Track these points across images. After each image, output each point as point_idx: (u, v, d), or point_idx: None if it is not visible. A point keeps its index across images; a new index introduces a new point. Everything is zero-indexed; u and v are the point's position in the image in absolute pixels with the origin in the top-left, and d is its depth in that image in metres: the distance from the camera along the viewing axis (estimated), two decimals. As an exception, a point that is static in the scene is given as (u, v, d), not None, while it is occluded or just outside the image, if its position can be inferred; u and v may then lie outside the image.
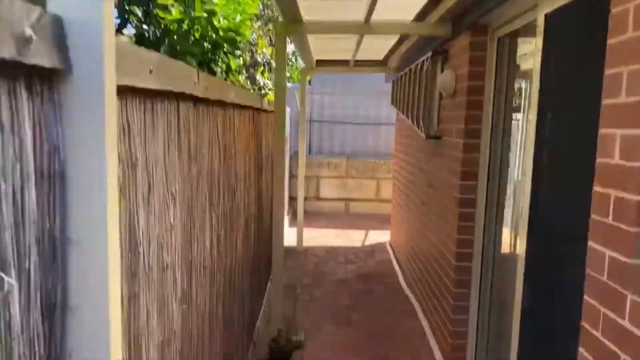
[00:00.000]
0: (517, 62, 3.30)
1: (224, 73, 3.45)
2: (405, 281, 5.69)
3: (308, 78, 11.27)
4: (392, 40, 5.24)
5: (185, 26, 2.66)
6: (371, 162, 9.84)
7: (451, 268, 3.71)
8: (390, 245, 7.34)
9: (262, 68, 6.75)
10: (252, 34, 5.52)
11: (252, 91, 5.57)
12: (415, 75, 5.12)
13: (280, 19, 3.92)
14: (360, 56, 6.59)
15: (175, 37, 2.42)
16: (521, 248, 2.77)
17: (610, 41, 1.72)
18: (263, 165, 4.25)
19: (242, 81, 4.99)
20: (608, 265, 1.67)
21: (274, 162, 3.98)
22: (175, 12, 2.63)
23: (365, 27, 3.87)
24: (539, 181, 2.66)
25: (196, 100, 1.84)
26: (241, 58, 6.01)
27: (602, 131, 1.75)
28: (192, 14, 2.77)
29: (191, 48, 2.30)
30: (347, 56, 6.57)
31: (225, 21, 3.24)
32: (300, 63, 7.55)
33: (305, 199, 9.92)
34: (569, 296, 2.45)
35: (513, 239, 3.34)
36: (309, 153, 10.17)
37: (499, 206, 3.43)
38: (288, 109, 8.65)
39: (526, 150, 2.79)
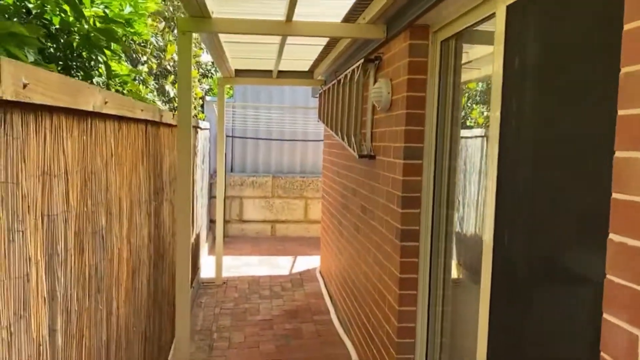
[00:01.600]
0: (467, 68, 2.82)
1: (104, 83, 2.69)
2: (338, 319, 5.06)
3: (229, 91, 10.53)
4: (319, 47, 4.68)
5: (31, 6, 1.89)
6: (298, 181, 9.23)
7: (393, 313, 3.13)
8: (321, 274, 6.71)
9: (172, 77, 5.94)
10: (155, 37, 4.74)
11: (155, 103, 4.76)
12: (344, 86, 4.58)
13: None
14: (284, 66, 5.98)
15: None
16: (484, 294, 2.23)
17: None
18: (166, 191, 3.47)
19: (142, 91, 4.20)
20: (645, 357, 1.12)
21: (178, 188, 3.22)
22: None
23: (286, 27, 3.25)
24: (505, 210, 2.14)
25: (7, 105, 1.11)
26: (146, 65, 5.20)
27: (620, 155, 1.22)
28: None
29: (22, 30, 1.52)
30: (269, 66, 5.94)
31: (105, 10, 2.48)
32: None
33: (228, 221, 9.10)
34: (539, 335, 1.94)
35: (466, 275, 2.82)
36: (231, 171, 9.39)
37: (448, 239, 2.91)
38: (207, 124, 7.85)
39: (486, 172, 2.27)
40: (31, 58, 1.55)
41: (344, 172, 5.10)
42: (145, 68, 4.99)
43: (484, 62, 2.61)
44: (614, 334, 1.22)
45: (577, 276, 1.80)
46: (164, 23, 5.07)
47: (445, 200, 2.91)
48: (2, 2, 1.74)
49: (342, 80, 4.64)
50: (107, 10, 2.53)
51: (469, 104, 2.84)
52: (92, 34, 2.19)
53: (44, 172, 1.35)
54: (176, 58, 6.55)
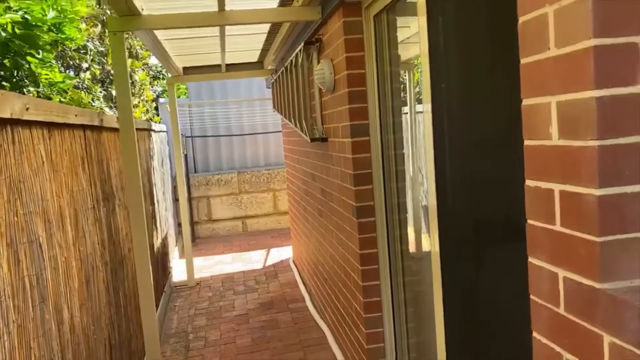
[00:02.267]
0: (399, 40, 2.84)
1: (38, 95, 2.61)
2: (313, 305, 5.09)
3: (183, 90, 10.38)
4: (262, 35, 4.64)
5: None
6: (264, 174, 9.19)
7: (358, 289, 3.16)
8: (294, 263, 6.73)
9: (118, 82, 5.80)
10: (92, 42, 4.62)
11: (102, 110, 4.65)
12: (291, 73, 4.56)
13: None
14: (232, 59, 5.92)
15: None
16: (434, 256, 2.28)
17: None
18: (117, 196, 3.41)
19: (85, 97, 4.09)
20: (565, 291, 1.16)
21: (128, 192, 3.17)
22: None
23: (220, 17, 3.21)
24: (445, 173, 2.18)
25: None
26: (88, 72, 5.07)
27: (527, 102, 1.25)
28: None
29: None
30: (217, 60, 5.87)
31: (25, 16, 2.40)
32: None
33: (197, 222, 9.02)
34: (492, 292, 2.00)
35: (421, 243, 2.87)
36: (195, 172, 9.28)
37: (401, 210, 2.95)
38: (163, 126, 7.72)
39: (425, 140, 2.31)
40: None
41: (303, 158, 5.11)
42: (88, 75, 4.86)
43: (413, 36, 2.64)
44: (539, 275, 1.26)
45: (517, 232, 1.86)
46: (100, 27, 4.94)
47: (395, 173, 2.94)
48: None
49: (288, 67, 4.62)
50: (27, 17, 2.45)
51: (406, 76, 2.87)
52: (10, 42, 2.12)
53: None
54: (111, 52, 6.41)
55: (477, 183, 2.11)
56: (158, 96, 9.39)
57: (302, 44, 3.73)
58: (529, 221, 1.29)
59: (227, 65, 6.11)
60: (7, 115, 1.60)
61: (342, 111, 3.20)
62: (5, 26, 2.15)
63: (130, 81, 6.67)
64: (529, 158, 1.27)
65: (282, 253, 7.41)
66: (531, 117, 1.25)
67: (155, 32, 3.89)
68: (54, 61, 2.95)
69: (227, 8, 3.21)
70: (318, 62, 3.71)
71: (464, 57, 2.15)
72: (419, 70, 2.84)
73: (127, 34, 4.40)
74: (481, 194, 2.09)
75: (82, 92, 4.10)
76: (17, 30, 2.25)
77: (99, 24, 4.84)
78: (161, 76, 10.38)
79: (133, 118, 3.16)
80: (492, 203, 2.06)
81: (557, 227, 1.18)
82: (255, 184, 9.16)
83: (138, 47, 7.15)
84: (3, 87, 2.37)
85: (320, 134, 3.86)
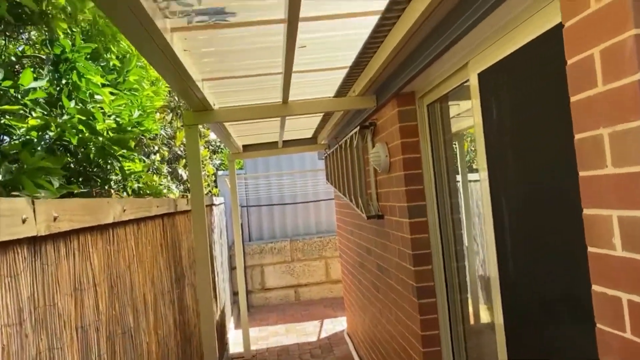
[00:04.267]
0: (452, 126, 2.99)
1: (119, 182, 2.90)
2: (369, 379, 5.01)
3: (239, 164, 10.88)
4: (318, 117, 4.94)
5: (52, 134, 2.13)
6: (316, 241, 9.32)
7: (420, 371, 3.14)
8: (349, 335, 6.67)
9: (184, 161, 6.23)
10: (164, 128, 5.06)
11: (169, 190, 5.00)
12: (345, 151, 4.78)
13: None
14: (288, 136, 6.27)
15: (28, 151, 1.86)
16: (498, 330, 2.28)
17: None
18: (187, 275, 3.62)
19: (156, 180, 4.44)
20: (641, 401, 1.19)
21: (197, 271, 3.36)
22: (37, 116, 2.10)
23: (283, 109, 3.50)
24: (506, 247, 2.23)
25: (41, 239, 1.28)
26: (158, 154, 5.50)
27: (587, 212, 1.34)
28: (63, 115, 2.25)
29: (48, 164, 1.74)
30: (274, 138, 6.22)
31: (117, 120, 2.73)
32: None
33: (251, 291, 9.15)
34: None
35: (485, 320, 2.86)
36: (249, 240, 9.53)
37: (462, 290, 2.97)
38: (221, 199, 8.10)
39: (484, 216, 2.38)
40: (56, 184, 1.75)
41: (357, 231, 5.22)
42: (157, 157, 5.27)
43: (465, 117, 2.79)
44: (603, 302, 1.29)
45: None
46: (171, 114, 5.41)
47: (454, 251, 3.00)
48: (27, 136, 1.98)
49: (343, 146, 4.85)
50: (118, 119, 2.78)
51: (460, 155, 2.99)
52: (106, 145, 2.42)
53: (75, 288, 1.51)
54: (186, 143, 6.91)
55: (540, 254, 2.15)
56: (217, 169, 9.89)
57: (358, 127, 3.95)
58: (598, 325, 1.33)
59: (283, 141, 6.45)
60: (110, 220, 1.83)
61: (398, 192, 3.33)
62: (103, 132, 2.46)
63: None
64: (593, 265, 1.34)
65: (336, 324, 7.36)
66: (593, 227, 1.33)
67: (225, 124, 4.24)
68: (134, 153, 3.28)
69: (289, 101, 3.49)
70: (373, 144, 3.91)
71: (519, 130, 2.26)
72: (468, 138, 2.97)
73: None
74: (544, 266, 2.12)
75: (153, 174, 4.44)
76: (111, 134, 2.56)
77: (169, 111, 5.31)
78: (220, 150, 10.97)
79: (204, 198, 3.41)
80: (554, 275, 2.08)
81: (628, 335, 1.22)
82: (307, 252, 9.28)
83: (200, 127, 7.66)
84: (95, 182, 2.66)
85: (376, 211, 3.98)
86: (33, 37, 2.29)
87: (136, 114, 3.00)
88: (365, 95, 3.51)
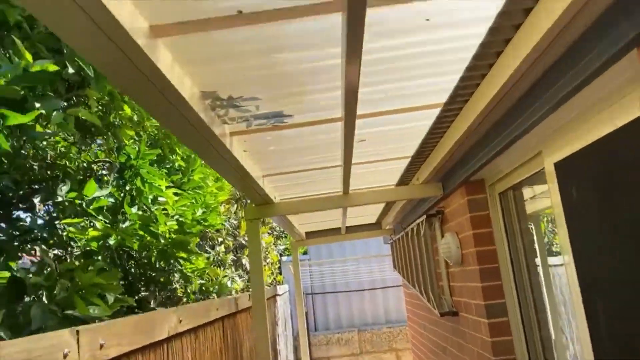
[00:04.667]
0: (527, 207, 2.74)
1: (184, 285, 2.86)
2: None
3: (302, 249, 10.81)
4: (381, 203, 4.80)
5: (112, 242, 2.13)
6: (385, 332, 8.80)
7: None
8: None
9: (247, 250, 6.23)
10: (228, 219, 5.12)
11: (234, 281, 4.94)
12: (412, 239, 4.56)
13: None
14: (351, 222, 6.15)
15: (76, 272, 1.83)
16: None
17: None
18: (247, 378, 3.42)
19: (220, 273, 4.39)
20: None
21: (258, 376, 3.16)
22: (99, 225, 2.11)
23: (344, 200, 3.40)
24: (601, 339, 1.88)
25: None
26: (222, 245, 5.53)
27: None
28: (126, 222, 2.26)
29: (101, 280, 1.69)
30: (337, 224, 6.12)
31: (179, 219, 2.74)
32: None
33: (318, 386, 8.65)
34: None
35: None
36: (315, 330, 9.17)
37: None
38: (285, 287, 7.95)
39: (573, 304, 2.06)
40: (111, 299, 1.71)
41: (430, 326, 4.83)
42: (222, 248, 5.29)
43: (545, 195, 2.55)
44: None
45: None
46: (236, 205, 5.50)
47: (541, 349, 2.62)
48: (88, 247, 1.99)
49: (409, 233, 4.64)
50: (181, 219, 2.79)
51: (543, 232, 2.70)
52: (167, 248, 2.40)
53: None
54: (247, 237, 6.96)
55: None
56: (281, 255, 9.85)
57: (424, 216, 3.76)
58: None
59: (347, 227, 6.33)
60: (164, 335, 1.73)
61: (473, 288, 3.04)
62: (165, 233, 2.46)
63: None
64: None
65: None
66: None
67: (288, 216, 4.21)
68: (194, 254, 3.26)
69: (350, 191, 3.40)
70: (442, 233, 3.68)
71: (606, 208, 1.99)
72: (544, 219, 2.68)
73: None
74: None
75: (217, 267, 4.42)
76: (173, 236, 2.55)
77: (234, 202, 5.41)
78: (284, 235, 11.00)
79: (266, 288, 3.28)
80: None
81: None
82: (376, 344, 8.76)
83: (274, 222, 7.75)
84: (155, 284, 2.62)
85: (449, 307, 3.66)
86: (102, 145, 2.44)
87: (199, 212, 3.01)
88: (430, 183, 3.36)
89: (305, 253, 10.44)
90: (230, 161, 2.18)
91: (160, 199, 2.55)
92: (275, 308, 5.88)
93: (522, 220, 2.78)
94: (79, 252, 1.96)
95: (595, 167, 1.92)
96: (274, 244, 9.10)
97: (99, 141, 3.05)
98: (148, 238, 2.30)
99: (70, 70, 1.72)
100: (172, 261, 2.71)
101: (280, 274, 9.43)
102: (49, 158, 2.54)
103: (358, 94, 1.58)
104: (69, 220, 1.88)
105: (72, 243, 1.96)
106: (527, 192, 2.76)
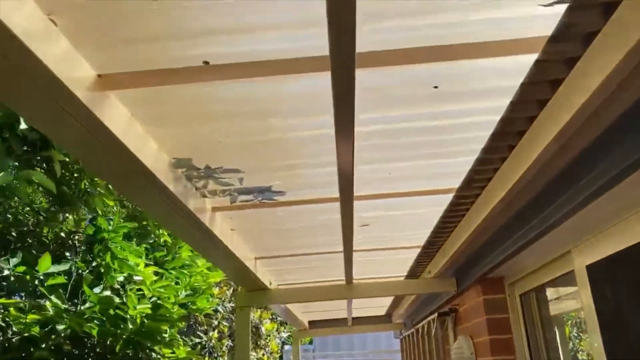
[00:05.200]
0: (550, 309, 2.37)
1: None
2: None
3: (308, 339, 10.18)
4: (389, 296, 4.42)
5: (61, 327, 1.82)
6: None
7: None
8: None
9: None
10: (222, 302, 4.75)
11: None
12: (423, 338, 4.12)
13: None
14: (359, 313, 5.69)
15: None
16: None
17: None
18: None
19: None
20: None
21: None
22: (49, 307, 1.83)
23: (347, 290, 3.07)
24: None
25: None
26: (216, 330, 5.12)
27: None
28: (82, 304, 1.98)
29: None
30: (343, 314, 5.67)
31: (158, 302, 2.44)
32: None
33: None
34: None
35: None
36: None
37: None
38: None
39: None
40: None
41: None
42: (215, 333, 4.88)
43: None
44: None
45: None
46: (232, 288, 5.16)
47: None
48: (27, 333, 1.70)
49: (420, 331, 4.20)
50: (160, 302, 2.48)
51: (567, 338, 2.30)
52: (133, 337, 2.08)
53: None
54: (252, 316, 6.51)
55: None
56: (284, 343, 9.24)
57: (436, 315, 3.37)
58: None
59: (353, 318, 5.87)
60: None
61: (490, 405, 2.60)
62: (134, 318, 2.15)
63: (257, 333, 6.67)
64: None
65: None
66: None
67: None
68: (177, 336, 2.91)
69: (354, 281, 3.08)
70: (454, 335, 3.28)
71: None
72: (569, 321, 2.28)
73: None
74: None
75: (207, 356, 4.00)
76: (145, 321, 2.24)
77: (231, 284, 5.08)
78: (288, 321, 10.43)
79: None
80: None
81: None
82: None
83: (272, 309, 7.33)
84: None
85: (462, 423, 3.16)
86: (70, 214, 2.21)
87: (183, 294, 2.71)
88: (443, 277, 3.02)
89: (310, 343, 9.79)
90: (212, 240, 1.92)
91: (136, 277, 2.28)
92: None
93: (546, 326, 2.40)
94: (16, 339, 1.66)
95: (634, 272, 1.61)
96: (277, 330, 8.55)
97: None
98: (108, 326, 1.98)
99: (23, 126, 1.54)
100: (147, 350, 2.37)
101: (282, 363, 8.77)
102: (30, 225, 2.32)
103: (354, 171, 1.34)
104: (2, 301, 1.60)
105: (9, 328, 1.66)
106: (549, 292, 2.41)
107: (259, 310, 6.70)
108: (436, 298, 3.59)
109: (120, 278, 2.13)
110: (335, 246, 2.59)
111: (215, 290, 4.32)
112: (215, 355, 4.51)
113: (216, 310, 4.73)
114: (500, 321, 2.58)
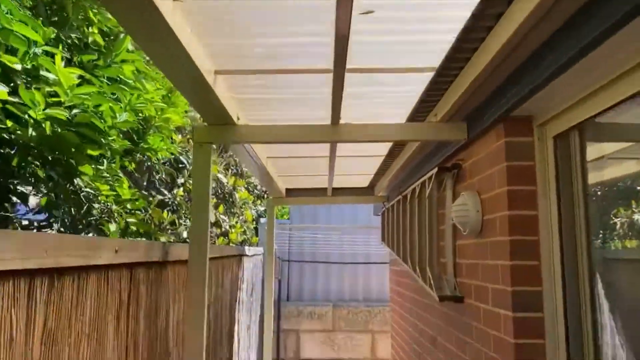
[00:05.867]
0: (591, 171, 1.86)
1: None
2: None
3: (285, 211, 9.95)
4: (378, 158, 3.90)
5: None
6: (363, 311, 8.02)
7: None
8: None
9: (214, 200, 5.33)
10: (188, 154, 4.18)
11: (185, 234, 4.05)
12: (412, 203, 3.68)
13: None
14: (340, 183, 5.25)
15: None
16: None
17: None
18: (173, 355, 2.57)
19: (165, 217, 3.51)
20: None
21: (185, 349, 2.31)
22: None
23: (331, 132, 2.49)
24: None
25: None
26: (182, 188, 4.62)
27: None
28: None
29: None
30: (323, 183, 5.22)
31: (78, 115, 1.82)
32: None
33: (283, 360, 7.91)
34: None
35: None
36: (287, 299, 8.38)
37: None
38: (260, 249, 7.12)
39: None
40: None
41: (418, 310, 4.00)
42: (181, 191, 4.39)
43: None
44: None
45: None
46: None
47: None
48: None
49: (408, 196, 3.75)
50: (88, 115, 1.86)
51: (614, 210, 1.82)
52: (33, 145, 1.48)
53: None
54: (225, 181, 6.02)
55: None
56: (260, 216, 8.97)
57: (435, 170, 2.86)
58: None
59: (334, 189, 5.44)
60: None
61: (495, 268, 2.18)
62: (40, 124, 1.54)
63: (231, 200, 6.24)
64: None
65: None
66: None
67: (256, 149, 3.29)
68: (120, 173, 2.35)
69: (342, 121, 2.49)
70: (454, 195, 2.81)
71: None
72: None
73: (217, 146, 3.90)
74: None
75: (166, 212, 3.52)
76: (59, 129, 1.64)
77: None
78: (265, 195, 10.12)
79: (208, 247, 2.39)
80: None
81: None
82: (351, 322, 7.99)
83: (244, 165, 6.85)
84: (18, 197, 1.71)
85: (452, 291, 2.81)
86: None
87: (123, 116, 2.09)
88: (452, 121, 2.45)
89: (288, 218, 9.58)
90: (157, 24, 1.25)
91: (49, 75, 1.63)
92: (239, 270, 5.03)
93: (585, 176, 1.89)
94: None
95: None
96: (252, 202, 8.21)
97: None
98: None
99: None
100: (61, 169, 1.80)
101: (257, 235, 8.58)
102: None
103: None
104: None
105: None
106: (591, 149, 1.87)
107: (233, 176, 6.23)
108: (435, 156, 3.07)
109: (18, 66, 1.48)
110: (320, 59, 1.94)
111: (177, 137, 3.72)
112: (180, 214, 4.04)
113: (181, 164, 4.18)
114: (523, 170, 2.07)
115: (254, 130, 2.50)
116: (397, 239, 4.38)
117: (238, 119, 2.49)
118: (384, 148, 3.48)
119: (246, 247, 5.62)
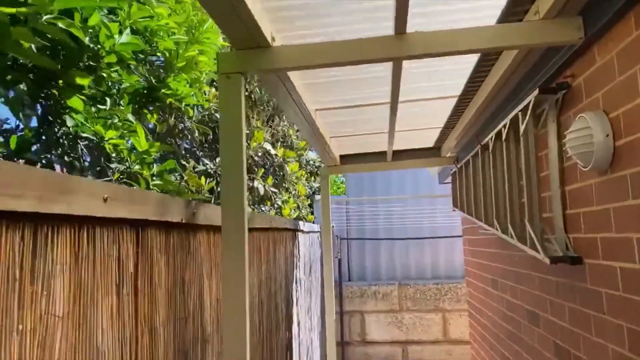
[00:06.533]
0: None
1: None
2: None
3: (341, 189, 9.39)
4: (450, 100, 3.23)
5: None
6: (431, 288, 7.37)
7: None
8: None
9: (262, 171, 4.84)
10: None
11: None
12: (496, 152, 3.00)
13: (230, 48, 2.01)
14: (401, 144, 4.62)
15: None
16: None
17: None
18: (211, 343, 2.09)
19: (203, 184, 3.05)
20: None
21: (224, 334, 1.81)
22: None
23: (395, 46, 1.88)
24: None
25: None
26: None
27: None
28: None
29: None
30: (382, 146, 4.61)
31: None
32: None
33: (347, 343, 7.43)
34: None
35: None
36: (349, 280, 7.87)
37: None
38: (315, 226, 6.62)
39: None
40: None
41: (509, 282, 3.33)
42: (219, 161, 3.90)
43: None
44: None
45: None
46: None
47: None
48: None
49: (490, 144, 3.08)
50: (56, 23, 1.36)
51: None
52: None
53: None
54: (273, 152, 5.53)
55: None
56: (314, 193, 8.47)
57: (533, 96, 2.18)
58: None
59: (394, 152, 4.82)
60: None
61: (637, 211, 1.52)
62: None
63: (281, 173, 5.75)
64: None
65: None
66: None
67: (303, 97, 2.73)
68: (132, 117, 1.86)
69: (409, 30, 1.87)
70: (559, 128, 2.13)
71: None
72: None
73: (250, 79, 3.47)
74: None
75: (203, 177, 3.05)
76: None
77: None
78: (318, 172, 9.60)
79: (246, 208, 1.87)
80: None
81: None
82: (420, 301, 7.36)
83: (294, 137, 6.34)
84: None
85: (563, 250, 2.15)
86: None
87: (123, 37, 1.59)
88: (561, 16, 1.77)
89: (344, 193, 9.03)
90: None
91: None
92: (294, 247, 4.54)
93: None
94: None
95: None
96: (307, 179, 7.70)
97: None
98: None
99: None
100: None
101: (312, 214, 8.08)
102: None
103: None
104: None
105: None
106: None
107: (282, 148, 5.73)
108: (529, 81, 2.39)
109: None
110: None
111: (211, 90, 3.22)
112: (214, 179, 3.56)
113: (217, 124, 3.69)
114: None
115: (294, 52, 1.93)
116: (476, 200, 3.71)
117: (273, 39, 1.93)
118: (460, 84, 2.83)
119: (303, 223, 5.12)
